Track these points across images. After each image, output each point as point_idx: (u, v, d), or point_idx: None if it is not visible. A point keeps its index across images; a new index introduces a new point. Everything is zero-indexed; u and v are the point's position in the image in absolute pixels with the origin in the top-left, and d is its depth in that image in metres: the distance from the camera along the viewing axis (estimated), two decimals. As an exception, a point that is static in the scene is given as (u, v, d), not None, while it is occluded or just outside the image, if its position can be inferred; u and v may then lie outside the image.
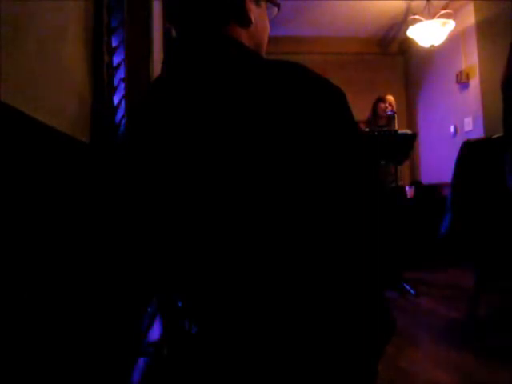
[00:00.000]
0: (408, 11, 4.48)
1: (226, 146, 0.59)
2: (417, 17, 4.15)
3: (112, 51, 1.29)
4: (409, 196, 3.69)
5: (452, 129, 4.51)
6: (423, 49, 4.41)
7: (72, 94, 1.03)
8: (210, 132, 0.60)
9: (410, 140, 3.17)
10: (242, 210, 0.58)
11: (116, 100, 1.33)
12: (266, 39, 0.78)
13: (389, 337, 0.63)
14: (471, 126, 4.19)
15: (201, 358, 0.63)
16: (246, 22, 0.71)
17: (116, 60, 1.33)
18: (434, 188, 4.34)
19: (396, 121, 3.26)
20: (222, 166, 0.59)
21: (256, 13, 0.73)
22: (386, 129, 3.24)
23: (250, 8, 0.71)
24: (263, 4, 0.76)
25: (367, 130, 3.27)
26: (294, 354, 0.58)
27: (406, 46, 5.30)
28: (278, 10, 0.81)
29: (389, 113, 3.31)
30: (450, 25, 3.98)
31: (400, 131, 3.20)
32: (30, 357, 0.71)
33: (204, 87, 0.63)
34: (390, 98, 3.45)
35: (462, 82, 4.28)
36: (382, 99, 3.44)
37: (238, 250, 0.59)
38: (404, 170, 4.69)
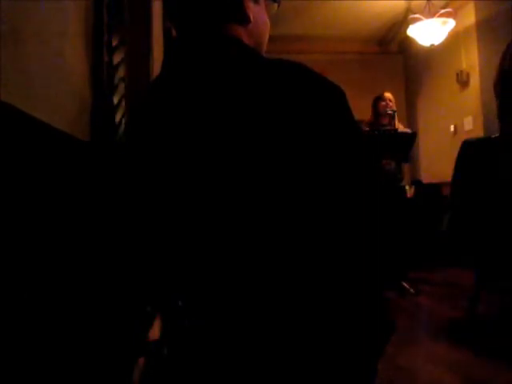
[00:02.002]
0: (408, 10, 4.48)
1: (227, 145, 0.59)
2: (417, 16, 4.14)
3: (112, 50, 1.28)
4: (409, 195, 3.69)
5: (452, 128, 4.51)
6: (423, 48, 4.40)
7: (72, 93, 1.03)
8: (210, 131, 0.60)
9: (410, 139, 3.17)
10: (242, 210, 0.58)
11: (116, 100, 1.33)
12: (266, 36, 0.77)
13: (388, 336, 0.63)
14: (471, 125, 4.19)
15: (201, 357, 0.63)
16: (244, 20, 0.70)
17: (116, 59, 1.33)
18: (434, 187, 4.34)
19: (396, 119, 3.26)
20: (223, 165, 0.59)
21: (255, 10, 0.72)
22: (387, 128, 3.23)
23: (248, 6, 0.70)
24: (262, 1, 0.75)
25: (367, 129, 3.27)
26: (294, 354, 0.58)
27: (406, 45, 5.29)
28: (278, 6, 0.80)
29: (389, 112, 3.30)
30: (450, 24, 3.98)
31: (400, 130, 3.20)
32: (30, 356, 0.72)
33: (204, 87, 0.63)
34: (388, 94, 3.45)
35: (462, 81, 4.28)
36: (380, 98, 3.44)
37: (238, 249, 0.59)
38: (404, 169, 4.68)
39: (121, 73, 1.40)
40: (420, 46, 4.33)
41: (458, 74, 4.33)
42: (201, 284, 0.63)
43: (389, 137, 3.06)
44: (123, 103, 1.39)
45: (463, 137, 3.55)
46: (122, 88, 1.39)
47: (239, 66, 0.64)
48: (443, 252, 3.58)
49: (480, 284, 2.37)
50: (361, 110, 3.16)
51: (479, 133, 3.95)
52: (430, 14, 4.11)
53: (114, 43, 1.31)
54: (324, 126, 0.59)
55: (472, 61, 4.16)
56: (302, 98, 0.59)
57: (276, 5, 0.80)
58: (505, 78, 1.83)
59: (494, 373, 1.63)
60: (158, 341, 1.21)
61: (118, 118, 1.34)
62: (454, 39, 4.26)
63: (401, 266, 3.04)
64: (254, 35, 0.73)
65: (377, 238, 0.62)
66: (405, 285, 2.96)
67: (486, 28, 3.99)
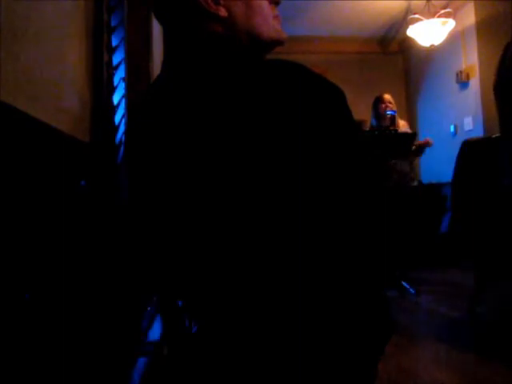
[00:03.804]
0: (408, 10, 4.48)
1: (223, 146, 0.59)
2: (417, 16, 4.14)
3: (112, 50, 1.29)
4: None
5: (452, 128, 4.51)
6: (423, 48, 4.40)
7: (72, 93, 1.03)
8: (206, 131, 0.60)
9: (410, 139, 3.18)
10: (238, 210, 0.58)
11: (116, 99, 1.33)
12: (260, 21, 0.70)
13: (388, 336, 0.63)
14: (471, 125, 4.19)
15: (201, 357, 0.63)
16: (215, 17, 0.66)
17: (116, 59, 1.33)
18: (434, 187, 4.34)
19: (397, 120, 3.25)
20: (219, 165, 0.59)
21: (229, 2, 0.67)
22: (388, 128, 3.22)
23: (209, 2, 0.65)
24: None
25: (367, 129, 3.27)
26: (293, 354, 0.58)
27: (406, 45, 5.29)
28: None
29: (390, 113, 3.29)
30: (450, 24, 3.98)
31: (400, 130, 3.20)
32: (31, 356, 0.71)
33: (201, 88, 0.63)
34: (387, 96, 3.43)
35: (462, 81, 4.28)
36: (380, 99, 3.43)
37: (236, 249, 0.59)
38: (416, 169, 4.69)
39: (121, 73, 1.40)
40: (420, 46, 4.33)
41: (457, 74, 4.33)
42: (200, 284, 0.63)
43: (389, 137, 3.06)
44: (123, 103, 1.40)
45: (463, 137, 3.56)
46: (121, 88, 1.39)
47: (237, 67, 0.64)
48: (443, 252, 3.58)
49: (480, 284, 2.37)
50: (361, 110, 3.16)
51: (479, 133, 3.95)
52: (430, 14, 4.11)
53: (114, 43, 1.31)
54: (323, 127, 0.59)
55: (472, 61, 4.16)
56: (300, 97, 0.59)
57: None
58: (504, 83, 1.83)
59: (495, 373, 1.63)
60: (158, 341, 1.21)
61: (118, 118, 1.34)
62: (454, 39, 4.26)
63: (397, 265, 3.04)
64: (239, 27, 0.68)
65: (373, 236, 0.62)
66: (405, 285, 2.96)
67: (486, 28, 3.99)
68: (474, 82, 4.14)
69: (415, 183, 3.40)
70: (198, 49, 0.67)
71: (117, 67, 1.35)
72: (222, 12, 0.66)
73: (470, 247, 2.47)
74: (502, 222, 2.04)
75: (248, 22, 0.69)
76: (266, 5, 0.71)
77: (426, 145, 3.37)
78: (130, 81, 1.47)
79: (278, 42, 0.75)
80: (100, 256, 1.02)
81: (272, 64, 0.63)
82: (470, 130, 4.19)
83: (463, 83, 4.29)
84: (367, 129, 3.36)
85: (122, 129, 1.35)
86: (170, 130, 0.64)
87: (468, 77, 4.22)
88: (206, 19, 0.67)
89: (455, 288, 3.06)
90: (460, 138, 3.26)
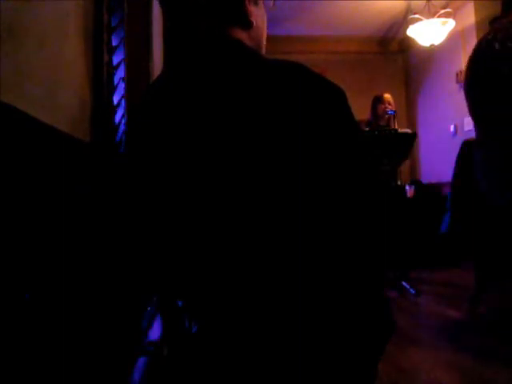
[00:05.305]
0: (408, 10, 4.48)
1: (225, 146, 0.59)
2: (417, 16, 4.14)
3: (112, 50, 1.28)
4: (409, 195, 3.69)
5: (452, 128, 4.52)
6: (423, 48, 4.41)
7: (72, 93, 1.03)
8: (209, 131, 0.60)
9: (410, 139, 3.17)
10: (238, 210, 0.58)
11: (116, 99, 1.33)
12: (264, 37, 0.79)
13: (388, 336, 0.63)
14: (471, 125, 4.19)
15: (201, 357, 0.63)
16: (247, 24, 0.72)
17: (116, 59, 1.33)
18: (434, 187, 4.34)
19: (396, 120, 3.25)
20: (222, 165, 0.59)
21: (256, 14, 0.73)
22: (386, 128, 3.22)
23: (250, 11, 0.71)
24: (260, 2, 0.77)
25: (367, 129, 3.27)
26: (294, 354, 0.58)
27: (406, 45, 5.29)
28: (274, 2, 0.82)
29: (390, 112, 3.28)
30: (450, 24, 3.98)
31: (400, 130, 3.19)
32: (31, 356, 0.71)
33: (207, 88, 0.63)
34: (388, 96, 3.43)
35: (462, 81, 4.28)
36: (380, 99, 3.42)
37: (236, 249, 0.59)
38: (404, 169, 4.69)
39: (121, 73, 1.40)
40: (420, 45, 4.34)
41: (457, 74, 4.33)
42: (200, 284, 0.63)
43: (389, 137, 3.06)
44: (123, 103, 1.39)
45: (463, 137, 3.55)
46: (121, 88, 1.39)
47: (241, 66, 0.64)
48: (443, 252, 3.58)
49: (480, 284, 2.37)
50: (360, 110, 3.15)
51: (479, 133, 3.95)
52: (430, 14, 4.11)
53: (114, 43, 1.31)
54: (323, 127, 0.59)
55: (472, 61, 4.16)
56: (302, 98, 0.59)
57: (272, 1, 0.81)
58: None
59: (495, 373, 1.63)
60: (158, 341, 1.21)
61: (118, 117, 1.34)
62: (454, 39, 4.26)
63: (398, 264, 3.04)
64: (255, 39, 0.74)
65: (375, 236, 0.62)
66: (405, 285, 2.96)
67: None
68: (474, 82, 4.13)
69: (398, 182, 3.42)
70: (216, 53, 0.67)
71: (117, 67, 1.35)
72: (253, 21, 0.72)
73: (470, 247, 2.47)
74: (501, 222, 2.04)
75: (259, 36, 0.76)
76: None
77: None
78: (129, 81, 1.47)
79: None
80: (100, 256, 1.02)
81: (273, 64, 0.63)
82: (469, 130, 4.18)
83: (463, 83, 4.29)
84: (364, 127, 3.36)
85: (122, 129, 1.35)
86: (170, 130, 0.64)
87: (468, 77, 4.22)
88: (234, 24, 0.70)
89: (455, 288, 3.06)
90: (460, 138, 3.26)
